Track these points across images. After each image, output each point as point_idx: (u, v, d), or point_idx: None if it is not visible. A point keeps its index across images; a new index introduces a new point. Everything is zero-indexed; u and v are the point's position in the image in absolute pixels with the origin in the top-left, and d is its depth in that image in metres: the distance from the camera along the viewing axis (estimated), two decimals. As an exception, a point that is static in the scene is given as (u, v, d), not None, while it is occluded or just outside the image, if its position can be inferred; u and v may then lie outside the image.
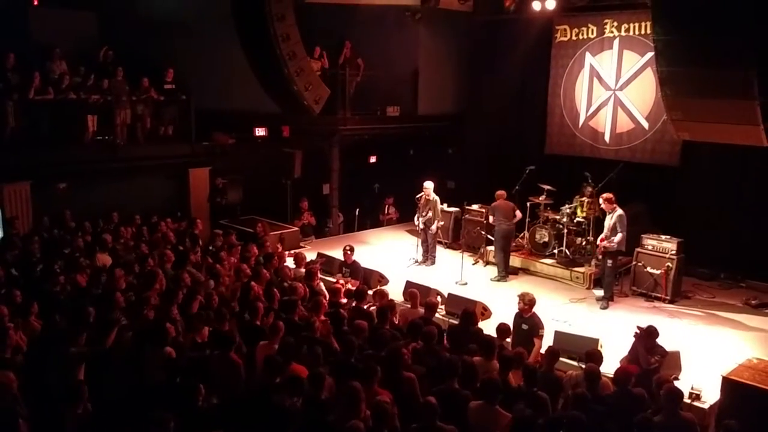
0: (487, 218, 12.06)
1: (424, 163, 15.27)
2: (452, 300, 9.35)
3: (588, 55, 13.49)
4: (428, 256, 12.06)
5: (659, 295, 10.33)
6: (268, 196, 14.64)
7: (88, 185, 12.08)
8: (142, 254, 10.00)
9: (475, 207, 12.76)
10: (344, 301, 8.51)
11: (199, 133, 13.48)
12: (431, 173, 12.63)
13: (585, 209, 11.25)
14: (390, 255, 12.48)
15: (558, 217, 11.56)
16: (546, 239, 11.61)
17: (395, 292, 9.24)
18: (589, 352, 6.84)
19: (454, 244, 13.12)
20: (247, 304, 7.70)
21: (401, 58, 15.18)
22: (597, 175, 11.74)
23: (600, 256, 10.43)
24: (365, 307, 8.17)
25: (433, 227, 11.80)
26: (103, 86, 12.15)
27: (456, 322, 8.24)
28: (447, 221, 12.98)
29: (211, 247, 10.72)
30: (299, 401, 5.28)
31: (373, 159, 16.49)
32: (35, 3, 13.14)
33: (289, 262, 10.37)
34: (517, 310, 7.87)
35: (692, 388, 6.95)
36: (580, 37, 13.61)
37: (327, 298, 8.28)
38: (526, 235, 12.03)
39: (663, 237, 10.55)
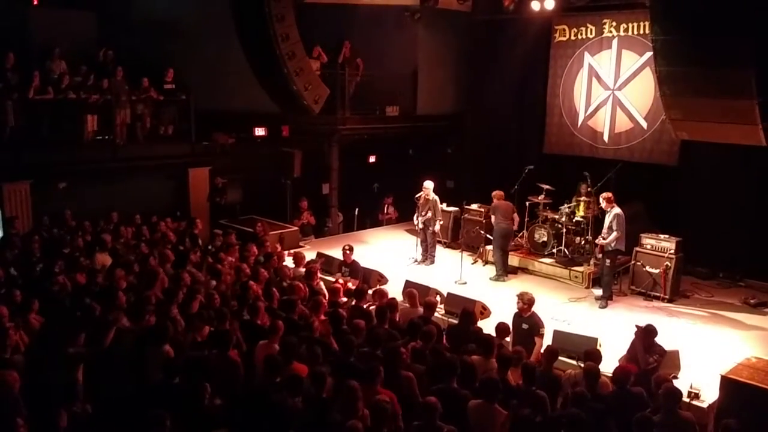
0: (487, 217, 12.07)
1: (423, 163, 15.30)
2: (451, 299, 9.36)
3: (587, 54, 13.51)
4: (427, 256, 12.07)
5: (658, 295, 10.35)
6: (268, 196, 14.65)
7: (88, 185, 12.08)
8: (142, 254, 10.02)
9: (474, 206, 12.78)
10: (344, 300, 8.53)
11: (199, 132, 13.49)
12: (430, 173, 12.64)
13: (583, 209, 11.28)
14: (389, 254, 12.49)
15: (557, 216, 11.58)
16: (545, 239, 11.63)
17: (394, 291, 9.24)
18: (588, 351, 6.86)
19: (453, 243, 13.14)
20: (245, 303, 7.72)
21: (400, 58, 15.19)
22: (596, 174, 11.76)
23: (599, 255, 10.45)
24: (365, 306, 8.19)
25: (436, 227, 11.81)
26: (103, 86, 12.15)
27: (455, 321, 8.26)
28: (446, 221, 12.99)
29: (210, 247, 10.72)
30: (300, 400, 5.30)
31: (372, 159, 16.50)
32: (35, 3, 13.15)
33: (288, 262, 10.38)
34: (516, 310, 7.88)
35: (691, 387, 6.96)
36: (579, 36, 13.63)
37: (327, 298, 8.29)
38: (525, 234, 12.05)
39: (662, 236, 10.57)
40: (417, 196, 11.99)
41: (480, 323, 8.05)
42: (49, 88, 11.61)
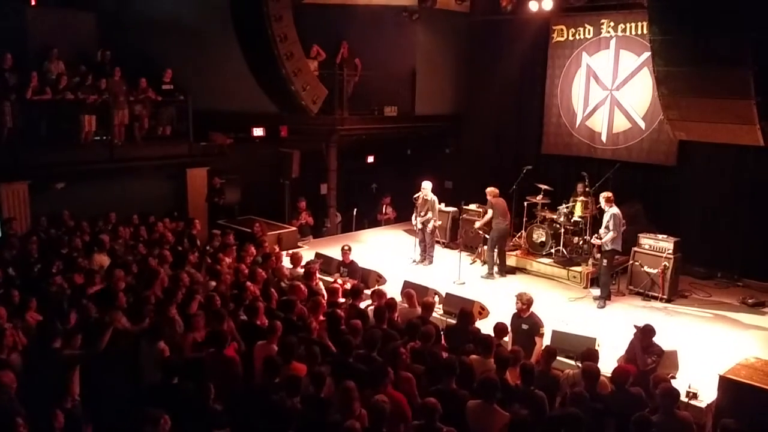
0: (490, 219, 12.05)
1: (421, 163, 15.31)
2: (450, 299, 9.36)
3: (585, 55, 13.53)
4: (426, 256, 12.07)
5: (656, 294, 10.36)
6: (266, 196, 14.65)
7: (86, 185, 12.05)
8: (140, 254, 10.01)
9: (472, 207, 12.78)
10: (342, 300, 8.53)
11: (197, 133, 13.47)
12: (429, 173, 12.65)
13: (581, 209, 11.29)
14: (388, 255, 12.49)
15: (555, 216, 11.60)
16: (543, 239, 11.64)
17: (393, 291, 9.24)
18: (585, 351, 6.85)
19: (451, 243, 13.15)
20: (242, 304, 7.72)
21: (399, 58, 15.19)
22: (594, 174, 11.80)
23: (597, 255, 10.46)
24: (365, 306, 8.19)
25: (430, 226, 11.81)
26: (101, 86, 12.14)
27: (454, 321, 8.26)
28: (444, 221, 13.01)
29: (208, 248, 10.72)
30: (298, 401, 5.30)
31: (370, 159, 16.52)
32: (33, 3, 13.11)
33: (285, 263, 10.37)
34: (515, 311, 7.88)
35: (689, 387, 6.97)
36: (577, 37, 13.64)
37: (326, 298, 8.29)
38: (524, 234, 12.05)
39: (660, 236, 10.59)
40: (415, 196, 12.00)
41: (478, 323, 8.05)
42: (47, 89, 11.59)
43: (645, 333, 7.10)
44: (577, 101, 13.74)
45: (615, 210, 9.99)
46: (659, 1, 9.17)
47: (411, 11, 14.37)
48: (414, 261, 12.19)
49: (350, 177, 16.00)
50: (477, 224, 11.82)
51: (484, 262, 11.81)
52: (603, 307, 10.11)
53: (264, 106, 14.16)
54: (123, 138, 12.51)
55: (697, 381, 7.09)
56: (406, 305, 8.34)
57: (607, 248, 10.01)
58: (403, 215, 14.88)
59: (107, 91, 12.17)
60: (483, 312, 9.10)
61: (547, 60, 14.18)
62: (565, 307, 10.05)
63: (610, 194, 10.17)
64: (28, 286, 8.12)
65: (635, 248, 10.65)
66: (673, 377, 7.08)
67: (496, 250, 11.45)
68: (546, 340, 7.69)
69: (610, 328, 8.93)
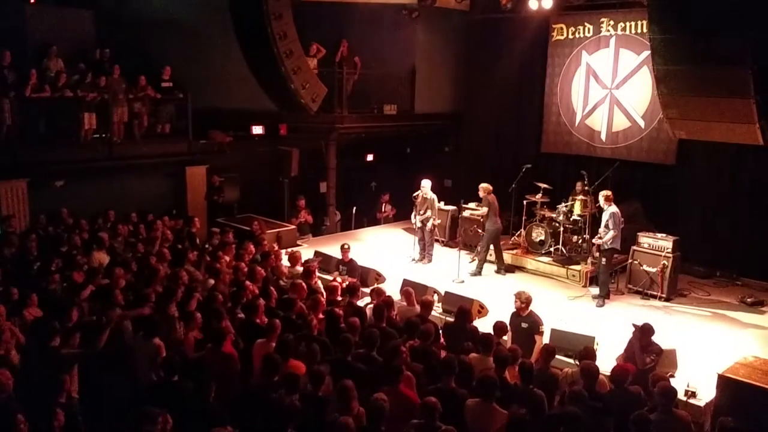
0: (487, 216, 12.05)
1: (421, 162, 15.32)
2: (449, 298, 9.37)
3: (584, 53, 13.52)
4: (425, 254, 12.08)
5: (655, 293, 10.37)
6: (265, 195, 14.65)
7: (85, 183, 12.05)
8: (139, 252, 10.00)
9: (471, 205, 12.78)
10: (340, 299, 8.53)
11: (196, 131, 13.46)
12: (428, 171, 12.66)
13: (580, 207, 11.30)
14: (387, 253, 12.49)
15: (554, 215, 11.61)
16: (542, 237, 11.65)
17: (392, 290, 9.24)
18: (582, 350, 6.84)
19: (450, 242, 13.16)
20: (239, 302, 7.71)
21: (398, 57, 15.19)
22: (593, 173, 11.81)
23: (596, 254, 10.46)
24: (363, 304, 8.18)
25: (429, 224, 11.82)
26: (100, 84, 12.12)
27: (452, 319, 8.26)
28: (444, 219, 13.01)
29: (207, 246, 10.71)
30: (297, 398, 5.30)
31: (370, 157, 16.52)
32: (32, 1, 13.08)
33: (284, 261, 10.36)
34: (514, 309, 7.88)
35: (688, 386, 6.98)
36: (577, 35, 13.64)
37: (325, 296, 8.29)
38: (523, 233, 12.06)
39: (659, 235, 10.60)
40: (414, 195, 12.00)
41: (478, 322, 8.05)
42: (46, 86, 11.57)
43: (644, 332, 7.10)
44: (577, 100, 13.74)
45: (614, 209, 9.99)
46: (659, -1, 9.19)
47: (411, 9, 14.35)
48: (413, 259, 12.19)
49: (349, 175, 15.99)
50: (478, 212, 11.76)
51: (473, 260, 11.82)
52: (602, 305, 10.11)
53: (263, 104, 14.15)
54: (122, 136, 12.50)
55: (696, 380, 7.11)
56: (404, 304, 8.34)
57: (606, 247, 10.01)
58: (402, 214, 14.88)
59: (106, 88, 12.16)
60: (482, 310, 9.10)
61: (547, 58, 14.18)
62: (564, 306, 10.05)
63: (609, 193, 10.18)
64: (27, 283, 8.11)
65: (634, 247, 10.66)
66: (672, 376, 7.09)
67: (491, 247, 11.45)
68: (545, 339, 7.69)
69: (609, 326, 8.94)
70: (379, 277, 10.38)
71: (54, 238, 10.40)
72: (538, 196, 11.92)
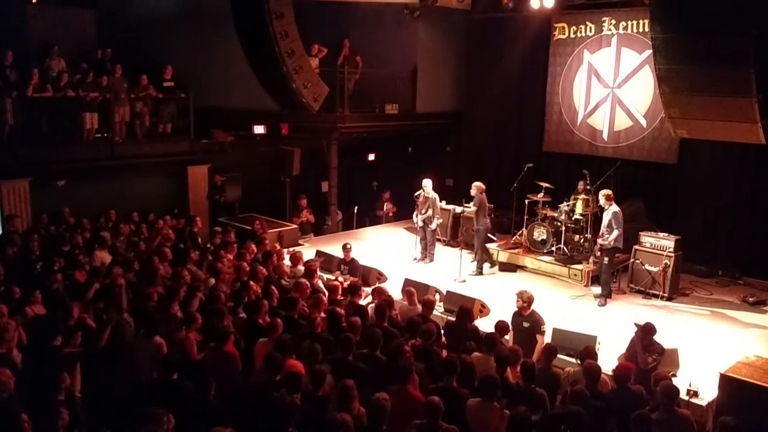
0: (490, 215, 12.05)
1: (422, 161, 15.32)
2: (450, 297, 9.36)
3: (586, 52, 13.51)
4: (426, 254, 12.08)
5: (657, 293, 10.36)
6: (267, 194, 14.67)
7: (87, 183, 12.07)
8: (141, 252, 10.01)
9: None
10: (341, 298, 8.53)
11: (198, 130, 13.47)
12: (430, 171, 12.66)
13: (582, 206, 11.30)
14: (388, 252, 12.50)
15: (556, 214, 11.60)
16: (544, 236, 11.63)
17: (394, 289, 9.25)
18: (583, 350, 6.85)
19: (452, 241, 13.16)
20: (241, 301, 7.71)
21: (400, 56, 15.18)
22: (595, 172, 11.81)
23: (598, 253, 10.46)
24: (365, 303, 8.19)
25: (432, 225, 11.82)
26: (102, 84, 12.14)
27: (453, 319, 8.26)
28: (445, 219, 13.00)
29: (209, 245, 10.72)
30: (299, 398, 5.30)
31: (371, 157, 16.52)
32: (33, 0, 13.10)
33: (286, 260, 10.37)
34: (516, 309, 7.87)
35: (690, 385, 6.98)
36: (579, 34, 13.62)
37: (326, 296, 8.29)
38: (524, 232, 12.05)
39: (661, 234, 10.59)
40: (416, 194, 12.00)
41: (479, 321, 8.05)
42: (48, 86, 11.59)
43: (646, 331, 7.10)
44: (579, 99, 13.73)
45: (615, 208, 9.98)
46: (661, -2, 9.17)
47: (412, 9, 14.34)
48: (415, 259, 12.19)
49: (351, 174, 16.00)
50: (467, 211, 11.80)
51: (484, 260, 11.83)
52: (604, 305, 10.11)
53: (265, 103, 14.16)
54: (124, 135, 12.51)
55: (698, 379, 7.10)
56: (406, 303, 8.34)
57: (609, 246, 10.00)
58: (403, 213, 14.88)
59: (108, 88, 12.17)
60: (484, 310, 9.10)
61: (549, 58, 14.16)
62: (566, 305, 10.05)
63: (609, 192, 10.17)
64: (30, 283, 8.11)
65: (636, 246, 10.65)
66: (674, 375, 7.08)
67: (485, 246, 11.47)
68: (547, 338, 7.69)
69: (610, 326, 8.93)
70: (380, 277, 10.39)
71: (56, 237, 10.41)
72: (540, 195, 11.91)
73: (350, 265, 10.41)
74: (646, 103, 12.63)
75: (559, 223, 11.52)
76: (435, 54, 15.61)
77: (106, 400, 5.71)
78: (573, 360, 7.42)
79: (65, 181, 11.83)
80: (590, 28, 13.40)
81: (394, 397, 5.18)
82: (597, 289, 10.43)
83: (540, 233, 11.70)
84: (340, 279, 9.67)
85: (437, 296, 9.09)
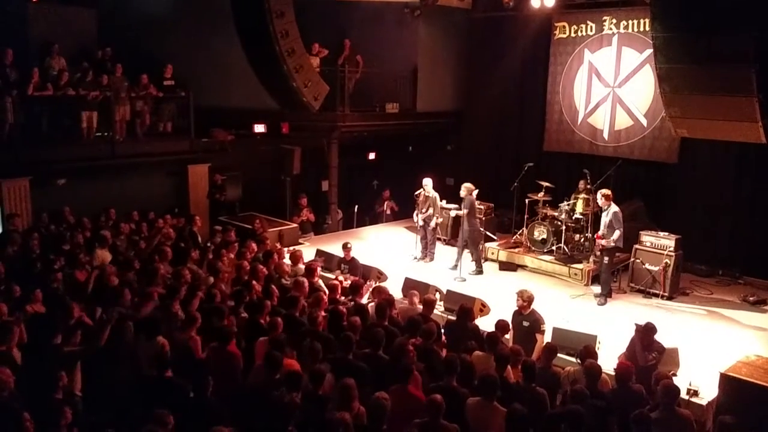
0: (490, 214, 12.03)
1: (423, 160, 15.32)
2: (451, 296, 9.36)
3: (587, 52, 13.51)
4: (427, 253, 12.08)
5: (657, 292, 10.37)
6: (267, 193, 14.66)
7: (87, 182, 12.05)
8: (141, 251, 10.00)
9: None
10: (342, 298, 8.53)
11: (198, 129, 13.46)
12: (430, 170, 12.66)
13: (582, 206, 11.30)
14: (389, 252, 12.50)
15: (556, 213, 11.60)
16: (544, 236, 11.63)
17: (394, 288, 9.25)
18: (583, 349, 6.84)
19: (452, 240, 13.14)
20: (242, 300, 7.72)
21: (400, 55, 15.17)
22: (595, 172, 11.80)
23: (598, 253, 10.45)
24: (365, 302, 8.18)
25: (432, 223, 11.82)
26: (103, 82, 12.13)
27: (453, 318, 8.26)
28: (446, 218, 13.00)
29: (209, 244, 10.72)
30: (299, 396, 5.30)
31: (372, 156, 16.51)
32: (34, -1, 13.12)
33: (285, 260, 10.37)
34: (516, 308, 7.87)
35: (690, 385, 6.98)
36: (579, 34, 13.62)
37: (327, 295, 8.29)
38: (525, 231, 12.05)
39: (661, 234, 10.60)
40: (417, 193, 12.00)
41: (480, 320, 8.05)
42: (48, 85, 11.58)
43: (646, 331, 7.11)
44: (579, 98, 13.72)
45: (615, 208, 9.98)
46: (661, -3, 9.16)
47: (413, 8, 14.33)
48: (415, 258, 12.19)
49: (351, 174, 16.00)
50: (455, 213, 11.80)
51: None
52: (604, 304, 10.11)
53: (265, 102, 14.15)
54: (124, 134, 12.51)
55: (698, 378, 7.10)
56: (406, 302, 8.33)
57: (609, 245, 10.00)
58: (404, 212, 14.88)
59: (108, 87, 12.16)
60: (484, 309, 9.10)
61: (549, 57, 14.17)
62: (566, 305, 10.05)
63: (608, 192, 10.16)
64: (30, 282, 8.11)
65: (636, 246, 10.65)
66: (674, 374, 7.07)
67: (464, 245, 11.42)
68: (547, 337, 7.69)
69: (610, 325, 8.94)
70: (381, 276, 10.38)
71: (56, 236, 10.41)
72: (540, 194, 11.91)
73: (350, 264, 10.41)
74: (647, 103, 12.64)
75: (559, 223, 11.52)
76: (435, 53, 15.60)
77: (107, 399, 5.70)
78: (573, 359, 7.41)
79: (65, 180, 11.81)
80: (591, 27, 13.40)
81: (394, 397, 5.18)
82: (597, 289, 10.43)
83: (540, 232, 11.69)
84: (340, 278, 9.67)
85: (437, 295, 9.09)
